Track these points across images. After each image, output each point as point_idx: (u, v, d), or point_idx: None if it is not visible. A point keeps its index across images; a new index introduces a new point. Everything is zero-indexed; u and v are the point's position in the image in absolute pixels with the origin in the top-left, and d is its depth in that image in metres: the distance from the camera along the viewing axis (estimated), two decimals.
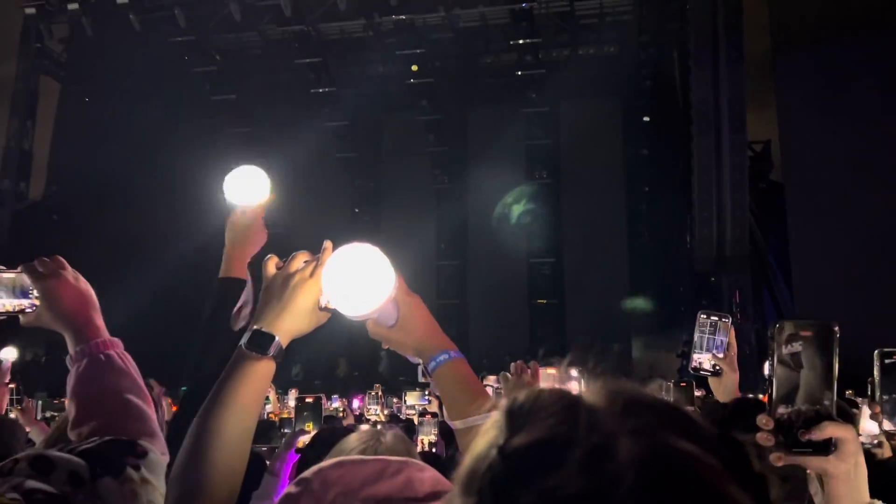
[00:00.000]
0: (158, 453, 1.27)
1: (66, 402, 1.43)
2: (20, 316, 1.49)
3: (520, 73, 16.99)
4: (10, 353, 6.21)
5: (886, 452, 2.70)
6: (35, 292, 1.46)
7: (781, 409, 0.99)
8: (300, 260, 1.30)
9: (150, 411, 1.43)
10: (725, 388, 2.22)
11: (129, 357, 1.48)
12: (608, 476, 0.44)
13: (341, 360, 17.54)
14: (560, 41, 18.44)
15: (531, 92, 17.22)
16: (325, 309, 1.29)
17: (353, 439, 1.89)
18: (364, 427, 2.92)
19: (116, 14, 16.15)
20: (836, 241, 13.24)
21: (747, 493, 0.46)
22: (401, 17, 16.05)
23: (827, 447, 0.98)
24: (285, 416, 5.84)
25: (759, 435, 1.00)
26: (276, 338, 1.24)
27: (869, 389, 3.72)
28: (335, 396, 9.64)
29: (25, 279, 1.47)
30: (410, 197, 18.90)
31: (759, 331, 15.25)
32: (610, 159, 18.61)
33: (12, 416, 4.17)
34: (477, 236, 18.64)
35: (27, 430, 4.08)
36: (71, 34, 17.44)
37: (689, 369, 2.45)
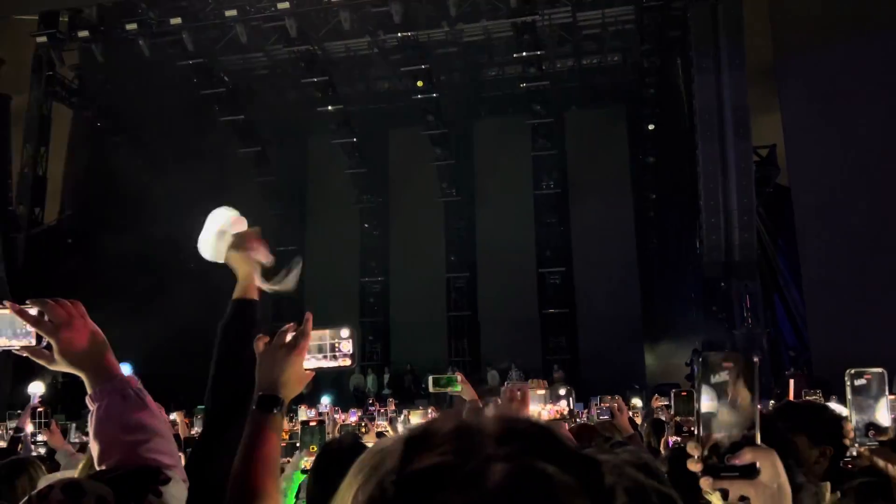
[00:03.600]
0: (180, 479, 1.41)
1: (90, 442, 1.56)
2: (29, 353, 1.62)
3: (524, 84, 17.10)
4: (37, 388, 6.39)
5: None
6: (30, 328, 1.59)
7: (709, 436, 1.06)
8: (287, 335, 1.54)
9: (170, 442, 1.56)
10: None
11: (145, 391, 1.60)
12: (481, 496, 0.55)
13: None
14: (563, 52, 18.58)
15: (536, 103, 17.32)
16: (309, 369, 1.56)
17: None
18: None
19: (126, 40, 16.45)
20: (845, 242, 13.21)
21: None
22: (405, 33, 16.23)
23: (752, 471, 1.04)
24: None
25: (689, 461, 1.07)
26: (282, 400, 1.50)
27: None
28: (353, 410, 9.73)
29: (20, 320, 1.59)
30: (419, 210, 19.00)
31: (772, 335, 15.17)
32: (616, 167, 18.66)
33: (42, 437, 4.33)
34: (486, 247, 18.70)
35: (56, 449, 4.22)
36: (82, 61, 17.74)
37: None
